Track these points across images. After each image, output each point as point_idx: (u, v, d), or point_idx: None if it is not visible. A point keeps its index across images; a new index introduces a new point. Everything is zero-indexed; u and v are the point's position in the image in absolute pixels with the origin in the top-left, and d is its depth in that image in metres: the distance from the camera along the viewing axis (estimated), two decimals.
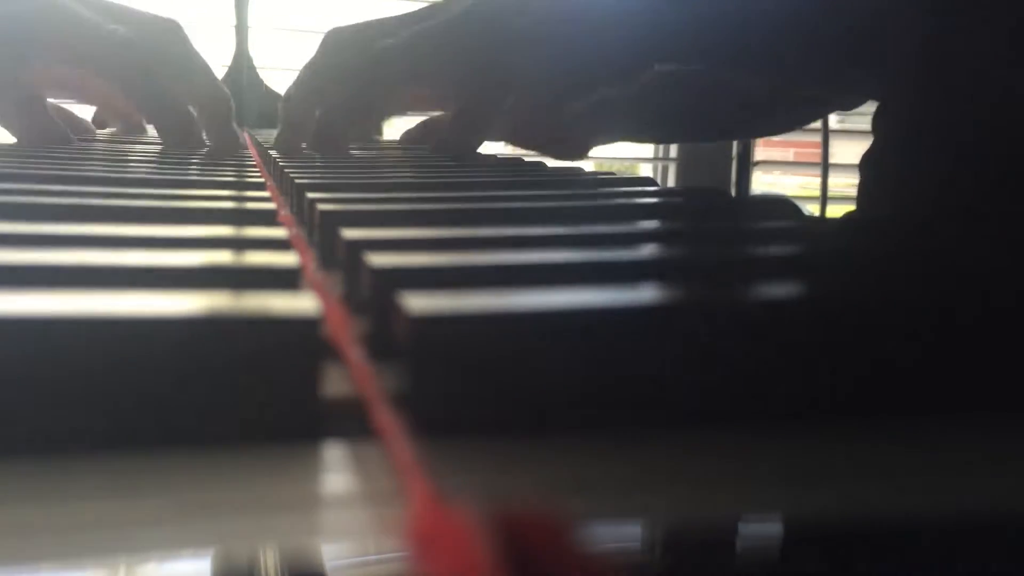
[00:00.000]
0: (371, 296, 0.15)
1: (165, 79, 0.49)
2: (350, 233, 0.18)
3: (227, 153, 0.51)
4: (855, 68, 0.43)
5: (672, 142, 1.02)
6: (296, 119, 0.51)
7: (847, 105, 0.57)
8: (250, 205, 0.25)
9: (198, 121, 0.51)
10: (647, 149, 1.11)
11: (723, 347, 0.13)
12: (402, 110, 0.56)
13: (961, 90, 0.37)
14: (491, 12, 0.46)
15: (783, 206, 0.28)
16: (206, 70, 0.52)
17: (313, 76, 0.51)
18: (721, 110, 0.59)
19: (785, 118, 0.65)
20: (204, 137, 0.53)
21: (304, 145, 0.51)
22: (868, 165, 0.47)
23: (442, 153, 0.48)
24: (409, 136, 0.59)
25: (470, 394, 0.12)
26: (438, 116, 0.55)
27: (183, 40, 0.51)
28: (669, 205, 0.30)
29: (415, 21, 0.49)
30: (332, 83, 0.49)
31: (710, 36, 0.44)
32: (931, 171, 0.40)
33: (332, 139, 0.49)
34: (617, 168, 1.13)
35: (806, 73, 0.47)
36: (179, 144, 0.49)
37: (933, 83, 0.37)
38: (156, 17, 0.50)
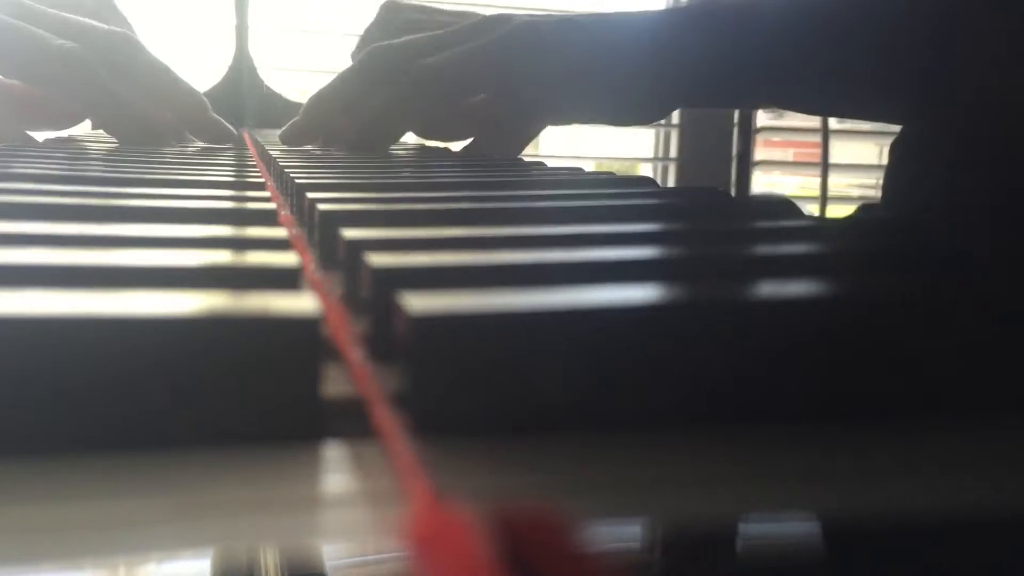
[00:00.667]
0: (371, 296, 0.15)
1: (115, 85, 0.50)
2: (350, 233, 0.18)
3: (218, 142, 0.52)
4: (872, 91, 0.44)
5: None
6: (316, 118, 0.52)
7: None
8: (250, 205, 0.25)
9: (176, 122, 0.53)
10: (647, 149, 1.11)
11: (724, 347, 0.13)
12: (436, 122, 0.58)
13: (976, 92, 0.37)
14: (529, 39, 0.49)
15: (783, 206, 0.28)
16: (166, 73, 0.53)
17: (349, 84, 0.53)
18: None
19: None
20: (189, 135, 0.54)
21: (309, 145, 0.52)
22: (898, 151, 0.47)
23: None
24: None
25: (470, 394, 0.12)
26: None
27: (135, 48, 0.53)
28: (669, 205, 0.30)
29: (454, 41, 0.51)
30: (367, 96, 0.51)
31: (741, 75, 0.45)
32: (947, 169, 0.40)
33: (366, 147, 0.51)
34: (617, 168, 1.13)
35: (831, 104, 0.48)
36: (136, 143, 0.50)
37: (949, 90, 0.38)
38: (108, 29, 0.52)
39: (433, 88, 0.49)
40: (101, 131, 0.63)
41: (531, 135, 0.55)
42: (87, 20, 0.52)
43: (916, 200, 0.45)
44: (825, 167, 1.04)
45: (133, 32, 0.55)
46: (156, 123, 0.52)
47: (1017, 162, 0.37)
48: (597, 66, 0.48)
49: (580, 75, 0.48)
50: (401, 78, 0.50)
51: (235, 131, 0.56)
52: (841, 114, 0.52)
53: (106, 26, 0.53)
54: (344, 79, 0.53)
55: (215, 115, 0.55)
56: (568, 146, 1.14)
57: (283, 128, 0.54)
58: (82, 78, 0.49)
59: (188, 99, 0.54)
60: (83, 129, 0.63)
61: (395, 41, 0.53)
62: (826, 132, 1.03)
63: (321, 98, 0.53)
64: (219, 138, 0.54)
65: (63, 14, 0.52)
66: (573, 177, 0.39)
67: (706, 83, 0.48)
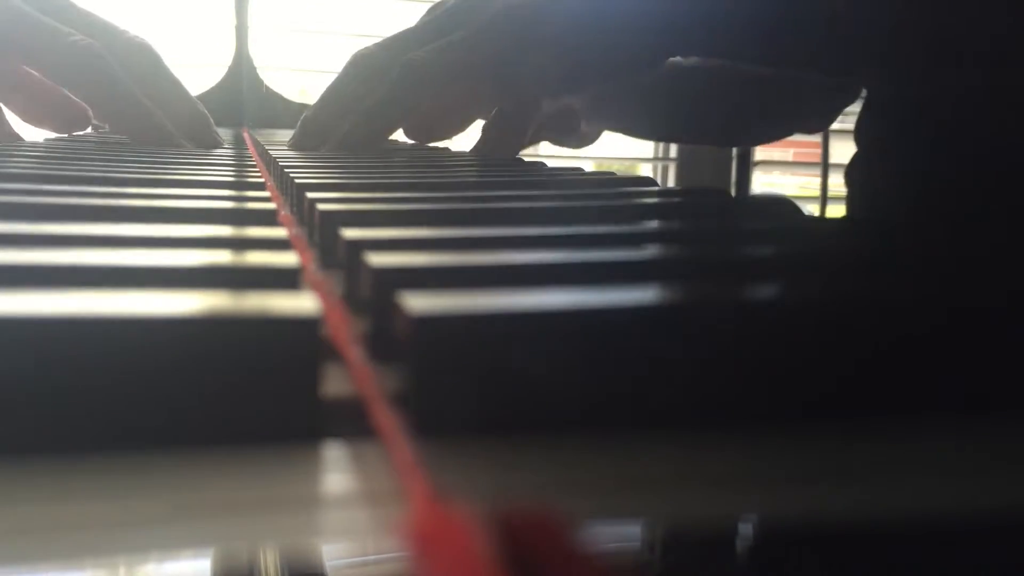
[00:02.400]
0: (371, 296, 0.15)
1: (130, 86, 0.51)
2: (350, 233, 0.18)
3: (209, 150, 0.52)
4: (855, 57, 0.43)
5: (672, 140, 1.01)
6: (311, 134, 0.52)
7: (845, 102, 0.57)
8: (250, 205, 0.25)
9: (180, 133, 0.53)
10: (647, 149, 1.11)
11: (723, 347, 0.13)
12: (424, 117, 0.57)
13: (946, 89, 0.37)
14: (520, 19, 0.48)
15: (783, 206, 0.28)
16: (178, 86, 0.54)
17: (337, 92, 0.52)
18: (722, 110, 0.59)
19: (787, 123, 0.64)
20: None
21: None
22: (854, 173, 0.47)
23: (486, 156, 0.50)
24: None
25: (471, 394, 0.12)
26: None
27: (154, 57, 0.54)
28: (669, 205, 0.30)
29: (438, 32, 0.50)
30: (358, 100, 0.51)
31: (721, 30, 0.44)
32: (917, 173, 0.40)
33: (359, 146, 0.50)
34: (617, 168, 1.13)
35: (810, 63, 0.46)
36: (143, 143, 0.51)
37: (921, 80, 0.37)
38: (130, 36, 0.54)
39: (420, 83, 0.49)
40: (102, 131, 0.63)
41: (533, 125, 0.54)
42: (111, 22, 0.53)
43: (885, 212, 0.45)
44: (825, 167, 1.04)
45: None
46: (165, 130, 0.52)
47: (978, 161, 0.37)
48: (587, 36, 0.47)
49: (573, 49, 0.48)
50: (387, 76, 0.49)
51: (223, 142, 0.56)
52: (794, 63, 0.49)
53: (128, 33, 0.54)
54: (333, 89, 0.53)
55: (215, 130, 0.55)
56: None
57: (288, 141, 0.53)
58: (98, 73, 0.49)
59: (195, 114, 0.54)
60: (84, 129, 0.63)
61: (378, 42, 0.52)
62: (826, 132, 1.03)
63: (315, 113, 0.53)
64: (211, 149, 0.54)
65: (92, 14, 0.52)
66: (573, 177, 0.39)
67: (697, 46, 0.47)
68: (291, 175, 0.32)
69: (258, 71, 0.94)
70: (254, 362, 0.12)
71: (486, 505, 0.09)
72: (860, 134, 0.47)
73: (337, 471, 0.11)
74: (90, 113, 0.55)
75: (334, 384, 0.13)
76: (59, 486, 0.10)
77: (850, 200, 0.50)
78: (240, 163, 0.41)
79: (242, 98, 0.93)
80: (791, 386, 0.13)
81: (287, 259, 0.16)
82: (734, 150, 1.07)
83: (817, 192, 1.05)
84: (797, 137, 1.16)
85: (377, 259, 0.15)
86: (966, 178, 0.38)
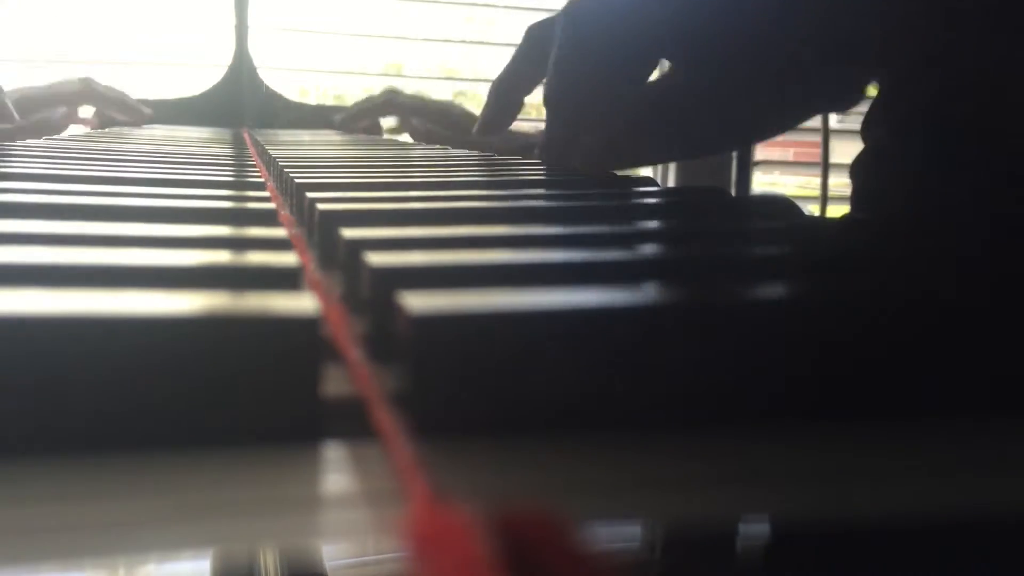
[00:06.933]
0: (371, 296, 0.15)
1: None
2: (350, 232, 0.18)
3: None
4: (856, 67, 0.41)
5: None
6: (503, 105, 0.46)
7: (840, 108, 0.52)
8: (250, 205, 0.25)
9: None
10: None
11: (723, 347, 0.13)
12: None
13: (957, 91, 0.37)
14: None
15: (783, 206, 0.28)
16: None
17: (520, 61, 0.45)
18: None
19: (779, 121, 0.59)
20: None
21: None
22: (860, 171, 0.46)
23: None
24: None
25: (470, 394, 0.12)
26: None
27: None
28: (669, 205, 0.30)
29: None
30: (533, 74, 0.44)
31: (717, 36, 0.41)
32: (925, 174, 0.39)
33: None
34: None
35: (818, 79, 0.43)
36: None
37: (930, 83, 0.37)
38: None
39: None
40: (101, 131, 0.63)
41: None
42: None
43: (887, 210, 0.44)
44: (825, 167, 1.04)
45: None
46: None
47: (988, 162, 0.37)
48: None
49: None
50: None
51: (16, 116, 0.46)
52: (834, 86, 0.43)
53: None
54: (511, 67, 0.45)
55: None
56: None
57: (476, 125, 0.48)
58: None
59: None
60: (82, 129, 0.63)
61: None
62: (826, 132, 1.03)
63: (501, 82, 0.46)
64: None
65: None
66: (573, 177, 0.39)
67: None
68: (291, 175, 0.32)
69: (258, 71, 0.94)
70: (254, 362, 0.12)
71: (486, 505, 0.09)
72: (867, 131, 0.47)
73: (337, 471, 0.11)
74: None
75: (334, 384, 0.13)
76: (59, 486, 0.10)
77: (854, 197, 0.48)
78: (240, 163, 0.41)
79: (242, 98, 0.93)
80: (791, 386, 0.13)
81: (287, 259, 0.16)
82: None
83: (817, 192, 1.05)
84: (797, 137, 1.16)
85: (377, 259, 0.15)
86: (971, 179, 0.37)
